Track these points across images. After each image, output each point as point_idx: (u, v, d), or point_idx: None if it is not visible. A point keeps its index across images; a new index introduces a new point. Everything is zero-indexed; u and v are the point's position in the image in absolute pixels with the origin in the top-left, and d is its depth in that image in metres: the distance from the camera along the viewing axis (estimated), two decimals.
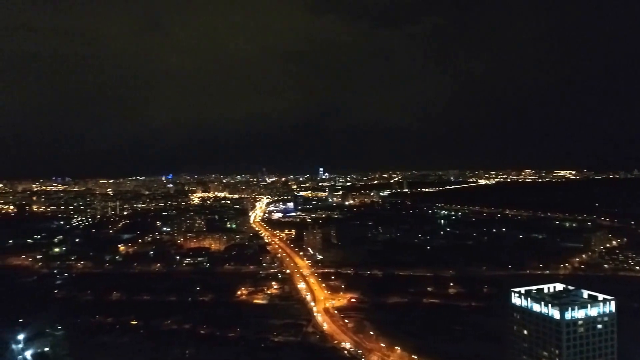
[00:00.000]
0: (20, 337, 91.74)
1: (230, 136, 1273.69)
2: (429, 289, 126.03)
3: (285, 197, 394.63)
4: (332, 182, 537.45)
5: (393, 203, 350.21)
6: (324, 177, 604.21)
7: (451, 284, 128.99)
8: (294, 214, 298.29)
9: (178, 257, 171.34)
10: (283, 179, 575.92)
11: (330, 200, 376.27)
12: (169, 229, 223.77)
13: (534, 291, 66.59)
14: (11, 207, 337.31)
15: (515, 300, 66.39)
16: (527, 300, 64.77)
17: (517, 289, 67.24)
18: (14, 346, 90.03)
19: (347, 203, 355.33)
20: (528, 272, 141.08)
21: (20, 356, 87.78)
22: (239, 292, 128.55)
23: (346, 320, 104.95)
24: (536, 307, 63.12)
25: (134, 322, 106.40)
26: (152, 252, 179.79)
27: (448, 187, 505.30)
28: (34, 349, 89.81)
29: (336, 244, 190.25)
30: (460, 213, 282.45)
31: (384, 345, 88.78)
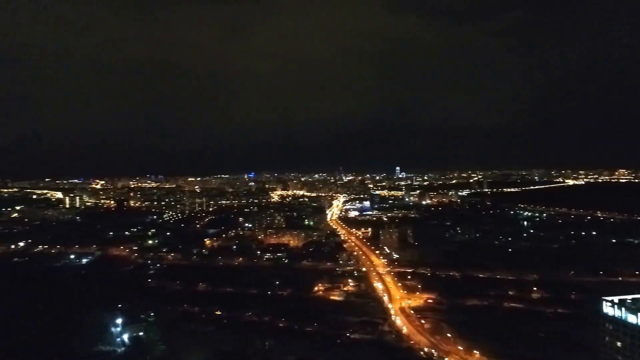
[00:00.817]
0: (119, 321, 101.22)
1: (309, 136, 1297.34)
2: (510, 292, 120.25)
3: (362, 196, 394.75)
4: (409, 182, 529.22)
5: (472, 203, 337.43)
6: (400, 176, 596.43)
7: (535, 288, 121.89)
8: (371, 212, 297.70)
9: (259, 252, 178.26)
10: (360, 177, 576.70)
11: (407, 199, 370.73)
12: (250, 225, 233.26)
13: (628, 301, 61.67)
14: (112, 202, 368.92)
15: (608, 309, 61.96)
16: (621, 310, 60.19)
17: (609, 298, 62.75)
18: (113, 329, 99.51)
19: (424, 202, 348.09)
20: (621, 279, 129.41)
21: (119, 338, 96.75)
22: (316, 288, 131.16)
23: (422, 321, 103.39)
24: (631, 319, 58.58)
25: (218, 313, 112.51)
26: (235, 247, 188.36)
27: (532, 188, 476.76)
28: (129, 332, 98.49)
29: (413, 244, 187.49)
30: (545, 215, 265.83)
31: (461, 348, 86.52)
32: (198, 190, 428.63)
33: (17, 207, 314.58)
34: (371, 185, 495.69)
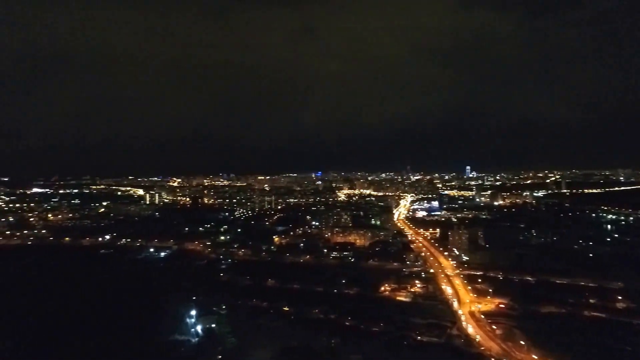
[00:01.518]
0: (193, 312, 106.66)
1: (377, 135, 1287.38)
2: (591, 300, 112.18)
3: (430, 196, 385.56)
4: (480, 181, 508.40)
5: (549, 204, 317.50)
6: (471, 175, 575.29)
7: (619, 297, 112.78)
8: (439, 212, 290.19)
9: (325, 250, 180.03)
10: (428, 177, 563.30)
11: (477, 199, 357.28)
12: (317, 223, 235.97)
13: None
14: (187, 199, 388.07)
15: None
16: None
17: None
18: (188, 320, 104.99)
19: (496, 203, 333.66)
20: None
21: (193, 329, 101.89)
22: (382, 288, 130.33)
23: (494, 327, 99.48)
24: None
25: (286, 309, 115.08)
26: (302, 244, 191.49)
27: (617, 189, 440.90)
28: (203, 324, 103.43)
29: (483, 246, 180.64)
30: (632, 218, 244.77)
31: (536, 358, 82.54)
32: (267, 189, 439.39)
33: (104, 203, 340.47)
34: (440, 185, 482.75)
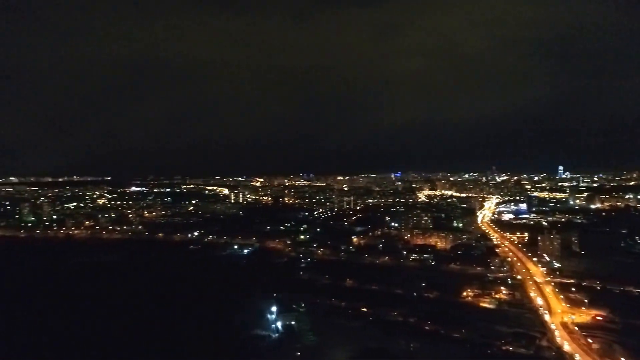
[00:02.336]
0: (274, 309, 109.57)
1: (461, 134, 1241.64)
2: None
3: (517, 198, 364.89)
4: (575, 182, 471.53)
5: None
6: (564, 176, 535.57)
7: None
8: (528, 215, 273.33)
9: (404, 252, 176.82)
10: (515, 178, 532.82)
11: (571, 202, 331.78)
12: (396, 224, 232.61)
13: None
14: (269, 198, 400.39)
15: None
16: None
17: None
18: (268, 316, 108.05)
19: (593, 206, 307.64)
20: None
21: (273, 325, 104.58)
22: (464, 293, 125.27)
23: (589, 340, 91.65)
24: None
25: (364, 309, 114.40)
26: (381, 245, 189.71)
27: None
28: (283, 320, 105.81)
29: (578, 252, 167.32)
30: None
31: None
32: (346, 189, 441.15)
33: (193, 201, 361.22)
34: (528, 186, 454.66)
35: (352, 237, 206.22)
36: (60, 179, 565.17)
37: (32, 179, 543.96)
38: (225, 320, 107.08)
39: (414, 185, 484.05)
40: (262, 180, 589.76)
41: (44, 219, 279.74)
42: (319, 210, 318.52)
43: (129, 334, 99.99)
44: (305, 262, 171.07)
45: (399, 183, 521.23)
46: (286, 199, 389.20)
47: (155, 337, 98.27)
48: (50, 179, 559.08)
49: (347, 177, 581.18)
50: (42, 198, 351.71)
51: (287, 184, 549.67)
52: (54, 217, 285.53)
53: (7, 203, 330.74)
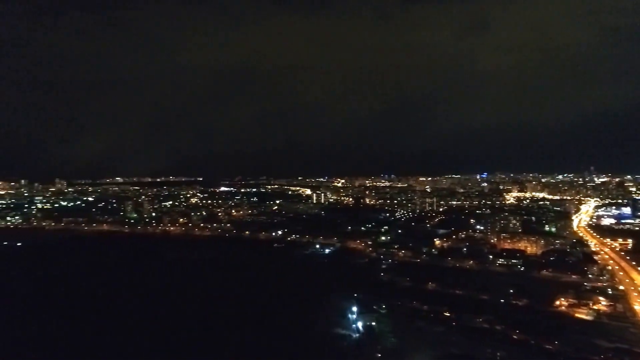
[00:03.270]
0: (354, 309, 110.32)
1: (553, 132, 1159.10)
2: None
3: (620, 201, 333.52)
4: None
5: None
6: None
7: None
8: (632, 221, 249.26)
9: (491, 257, 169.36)
10: (617, 179, 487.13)
11: None
12: (482, 228, 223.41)
13: None
14: (350, 199, 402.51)
15: None
16: None
17: None
18: (349, 315, 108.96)
19: None
20: None
21: (354, 325, 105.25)
22: (557, 302, 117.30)
23: None
24: None
25: (447, 314, 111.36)
26: (465, 249, 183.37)
27: None
28: (363, 321, 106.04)
29: None
30: None
31: None
32: (428, 190, 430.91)
33: (277, 201, 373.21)
34: (633, 189, 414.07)
35: (435, 239, 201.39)
36: (158, 179, 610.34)
37: (134, 179, 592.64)
38: (307, 317, 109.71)
39: (501, 187, 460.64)
40: (343, 181, 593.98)
41: (145, 216, 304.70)
42: (400, 211, 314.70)
43: (217, 328, 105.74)
44: (386, 264, 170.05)
45: (485, 184, 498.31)
46: (367, 200, 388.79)
47: (240, 331, 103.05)
48: (149, 179, 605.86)
49: (429, 178, 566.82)
50: (143, 197, 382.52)
51: (368, 184, 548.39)
52: (153, 214, 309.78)
53: (114, 201, 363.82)
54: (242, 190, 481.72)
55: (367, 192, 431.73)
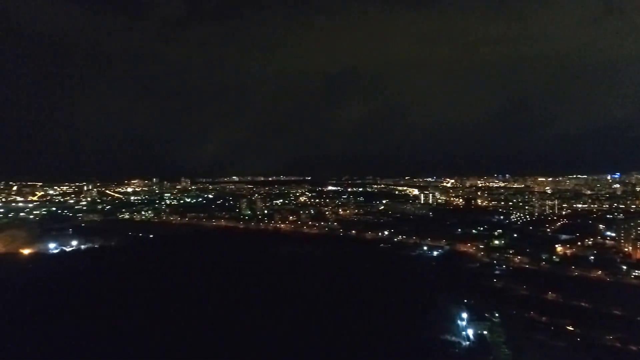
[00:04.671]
0: (464, 315, 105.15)
1: None
2: None
3: None
4: None
5: None
6: None
7: None
8: None
9: (624, 267, 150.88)
10: None
11: None
12: (613, 234, 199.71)
13: None
14: (460, 200, 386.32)
15: None
16: None
17: None
18: (458, 322, 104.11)
19: None
20: None
21: (464, 332, 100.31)
22: None
23: None
24: None
25: (570, 328, 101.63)
26: (592, 257, 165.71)
27: None
28: (474, 329, 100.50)
29: None
30: None
31: None
32: (549, 191, 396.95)
33: (383, 201, 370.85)
34: None
35: (556, 245, 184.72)
36: (270, 179, 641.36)
37: (249, 178, 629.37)
38: (414, 321, 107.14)
39: (637, 189, 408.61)
40: (452, 181, 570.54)
41: (257, 213, 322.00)
42: (515, 214, 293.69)
43: (321, 327, 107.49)
44: (499, 269, 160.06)
45: (618, 186, 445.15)
46: (479, 201, 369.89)
47: (344, 331, 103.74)
48: (262, 178, 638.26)
49: (550, 179, 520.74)
50: (256, 195, 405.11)
51: (480, 185, 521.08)
52: (265, 211, 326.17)
53: (230, 198, 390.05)
54: (349, 189, 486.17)
55: (478, 193, 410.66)
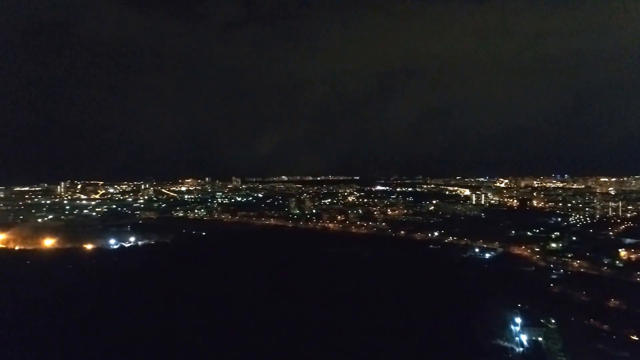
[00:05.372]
0: (518, 320, 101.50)
1: None
2: None
3: None
4: None
5: None
6: None
7: None
8: None
9: None
10: None
11: None
12: None
13: None
14: (514, 201, 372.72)
15: None
16: None
17: None
18: (512, 327, 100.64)
19: None
20: None
21: (517, 338, 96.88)
22: None
23: None
24: None
25: (635, 337, 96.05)
26: None
27: None
28: (528, 335, 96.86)
29: None
30: None
31: None
32: (612, 192, 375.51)
33: (433, 201, 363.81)
34: None
35: (619, 249, 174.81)
36: (318, 178, 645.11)
37: (297, 178, 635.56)
38: (465, 324, 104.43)
39: None
40: (506, 181, 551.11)
41: (306, 212, 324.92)
42: (575, 216, 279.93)
43: (370, 328, 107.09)
44: (556, 274, 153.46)
45: None
46: (534, 202, 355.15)
47: (393, 333, 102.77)
48: (310, 178, 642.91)
49: (613, 179, 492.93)
50: (304, 194, 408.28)
51: (536, 185, 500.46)
52: (313, 211, 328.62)
53: (279, 198, 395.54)
54: (398, 189, 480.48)
55: (534, 194, 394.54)
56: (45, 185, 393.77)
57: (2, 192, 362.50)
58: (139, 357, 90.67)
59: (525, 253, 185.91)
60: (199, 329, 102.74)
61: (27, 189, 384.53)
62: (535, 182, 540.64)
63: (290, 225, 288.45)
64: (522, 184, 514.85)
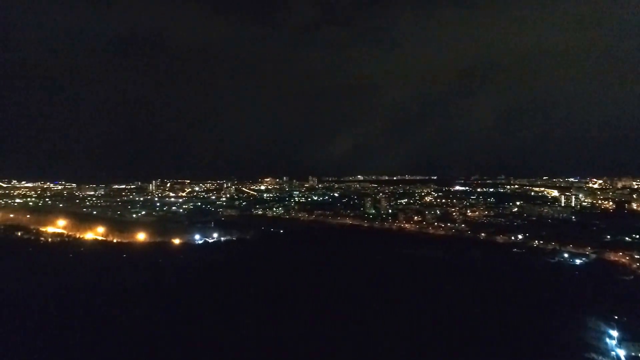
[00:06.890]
0: (614, 334, 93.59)
1: None
2: None
3: None
4: None
5: None
6: None
7: None
8: None
9: None
10: None
11: None
12: None
13: None
14: (610, 203, 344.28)
15: None
16: None
17: None
18: (607, 340, 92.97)
19: None
20: None
21: (613, 352, 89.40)
22: None
23: None
24: None
25: None
26: None
27: None
28: (627, 350, 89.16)
29: None
30: None
31: None
32: None
33: (517, 203, 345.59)
34: None
35: None
36: (394, 178, 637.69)
37: (373, 177, 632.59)
38: (554, 336, 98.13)
39: None
40: (600, 181, 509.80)
41: (382, 212, 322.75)
42: None
43: (450, 337, 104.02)
44: None
45: None
46: (634, 205, 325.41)
47: (476, 343, 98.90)
48: (386, 177, 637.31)
49: None
50: (380, 194, 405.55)
51: (635, 186, 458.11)
52: (389, 211, 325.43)
53: (355, 197, 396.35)
54: (478, 189, 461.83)
55: (634, 196, 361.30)
56: (139, 183, 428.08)
57: (102, 190, 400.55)
58: (224, 346, 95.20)
59: (623, 260, 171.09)
60: (278, 324, 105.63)
61: (123, 186, 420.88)
62: (634, 182, 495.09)
63: (365, 225, 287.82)
64: (619, 185, 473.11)
